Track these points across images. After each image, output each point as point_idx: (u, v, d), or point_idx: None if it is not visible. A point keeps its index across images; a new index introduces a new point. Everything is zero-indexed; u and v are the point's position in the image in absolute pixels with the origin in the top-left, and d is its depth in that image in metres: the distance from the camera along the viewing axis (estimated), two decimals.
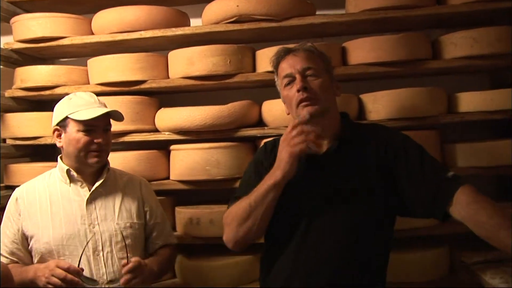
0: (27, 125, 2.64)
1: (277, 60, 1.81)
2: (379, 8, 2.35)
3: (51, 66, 2.65)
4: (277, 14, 2.39)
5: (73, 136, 1.89)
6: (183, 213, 2.50)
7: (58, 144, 1.95)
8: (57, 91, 2.60)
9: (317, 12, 2.54)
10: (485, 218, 1.49)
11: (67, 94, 2.52)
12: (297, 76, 1.71)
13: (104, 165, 2.01)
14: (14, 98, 2.72)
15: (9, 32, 2.77)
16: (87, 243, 1.87)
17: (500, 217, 1.48)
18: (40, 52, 2.81)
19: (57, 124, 1.93)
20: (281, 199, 1.68)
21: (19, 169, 2.64)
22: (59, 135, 1.94)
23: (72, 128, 1.89)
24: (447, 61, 2.38)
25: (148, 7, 2.54)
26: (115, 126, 2.44)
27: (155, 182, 2.55)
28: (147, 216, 2.07)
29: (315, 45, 1.81)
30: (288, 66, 1.75)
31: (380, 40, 2.37)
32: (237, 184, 2.41)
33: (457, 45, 2.33)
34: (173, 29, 2.50)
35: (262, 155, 1.91)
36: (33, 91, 2.66)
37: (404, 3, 2.33)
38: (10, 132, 2.68)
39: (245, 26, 2.43)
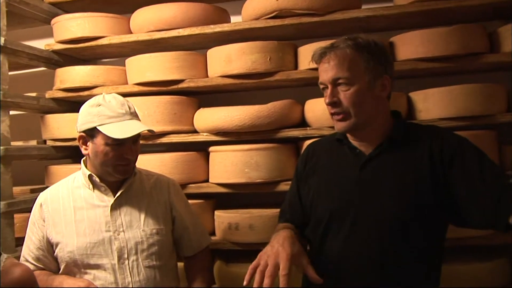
0: (67, 126, 2.61)
1: (316, 62, 1.70)
2: None
3: (89, 67, 2.63)
4: (319, 8, 2.27)
5: (101, 149, 1.78)
6: (222, 217, 2.41)
7: (84, 152, 1.85)
8: (96, 91, 2.56)
9: (363, 6, 2.39)
10: None
11: None
12: (329, 87, 1.61)
13: None
14: (55, 99, 2.72)
15: (51, 34, 2.76)
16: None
17: None
18: (80, 53, 2.80)
19: (84, 131, 1.83)
20: (327, 195, 1.69)
21: (59, 170, 2.63)
22: (85, 142, 1.84)
23: (100, 140, 1.77)
24: (506, 54, 2.18)
25: (186, 4, 2.47)
26: (153, 127, 2.40)
27: (193, 185, 2.48)
28: (176, 221, 1.98)
29: (356, 39, 1.64)
30: (322, 72, 1.64)
31: (430, 33, 2.20)
32: (278, 188, 2.35)
33: None
34: (211, 26, 2.42)
35: (300, 163, 1.86)
36: (72, 92, 2.64)
37: None
38: (50, 133, 2.67)
39: (286, 21, 2.32)
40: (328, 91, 1.61)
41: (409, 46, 2.25)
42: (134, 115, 1.86)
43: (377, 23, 2.39)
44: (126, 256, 1.81)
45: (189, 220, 2.02)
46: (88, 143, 1.82)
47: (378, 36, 2.35)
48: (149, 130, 1.86)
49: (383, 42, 1.73)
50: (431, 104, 2.23)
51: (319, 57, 1.66)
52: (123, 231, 1.83)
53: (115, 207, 1.85)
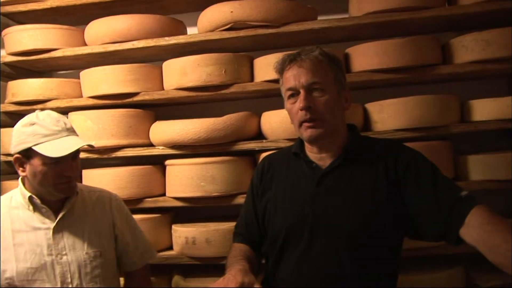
0: None
1: (281, 68, 1.66)
2: (384, 10, 2.19)
3: (42, 80, 2.56)
4: (274, 20, 2.25)
5: (39, 170, 1.69)
6: (179, 231, 2.37)
7: (21, 174, 1.76)
8: (49, 105, 2.50)
9: (320, 17, 2.39)
10: (499, 241, 1.32)
11: (59, 107, 2.48)
12: (302, 92, 1.58)
13: None
14: (7, 113, 2.64)
15: (2, 45, 2.68)
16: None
17: None
18: (34, 65, 2.73)
19: (19, 153, 1.72)
20: (283, 210, 1.66)
21: (13, 186, 2.53)
22: (21, 164, 1.74)
23: (37, 160, 1.69)
24: (457, 66, 2.21)
25: (140, 16, 2.43)
26: (107, 140, 2.36)
27: (150, 199, 2.43)
28: (117, 239, 1.92)
29: (324, 50, 1.64)
30: (293, 77, 1.60)
31: (384, 45, 2.20)
32: (235, 201, 2.32)
33: (468, 49, 2.16)
34: (166, 38, 2.38)
35: (256, 177, 1.83)
36: (25, 105, 2.56)
37: (411, 4, 2.16)
38: (3, 148, 2.59)
39: (241, 33, 2.30)
40: (302, 95, 1.57)
41: (364, 57, 2.25)
42: (71, 131, 1.77)
43: (333, 34, 2.39)
44: (69, 280, 1.74)
45: (130, 237, 1.96)
46: (25, 165, 1.73)
47: (335, 47, 2.39)
48: (88, 145, 1.78)
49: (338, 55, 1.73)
50: (387, 115, 2.24)
51: (290, 61, 1.62)
52: (66, 254, 1.76)
53: (57, 229, 1.77)
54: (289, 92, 1.62)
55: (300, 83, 1.57)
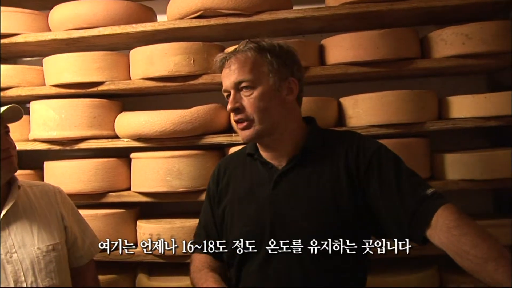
0: None
1: (220, 69, 1.60)
2: (360, 0, 2.09)
3: (2, 66, 2.42)
4: (246, 8, 2.14)
5: None
6: (143, 228, 2.27)
7: None
8: (9, 93, 2.38)
9: (295, 7, 2.28)
10: (467, 247, 1.25)
11: (20, 96, 2.37)
12: (231, 92, 1.52)
13: (11, 182, 1.71)
14: None
15: None
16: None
17: (487, 246, 1.23)
18: None
19: None
20: (240, 217, 1.59)
21: None
22: None
23: None
24: (436, 60, 2.12)
25: (107, 1, 2.30)
26: (70, 131, 2.25)
27: (113, 194, 2.32)
28: (66, 232, 1.80)
29: (259, 42, 1.57)
30: (225, 78, 1.55)
31: (360, 37, 2.11)
32: (202, 197, 2.20)
33: (448, 42, 2.08)
34: (134, 25, 2.27)
35: (212, 183, 1.74)
36: None
37: None
38: None
39: (212, 21, 2.19)
40: (231, 97, 1.52)
41: (339, 49, 2.16)
42: None
43: (308, 25, 2.29)
44: (23, 279, 1.62)
45: (77, 229, 1.85)
46: None
47: (310, 39, 2.30)
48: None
49: (289, 45, 1.61)
50: (361, 110, 2.15)
51: (221, 64, 1.57)
52: (16, 252, 1.63)
53: (2, 227, 1.64)
54: (226, 94, 1.57)
55: (230, 84, 1.53)
